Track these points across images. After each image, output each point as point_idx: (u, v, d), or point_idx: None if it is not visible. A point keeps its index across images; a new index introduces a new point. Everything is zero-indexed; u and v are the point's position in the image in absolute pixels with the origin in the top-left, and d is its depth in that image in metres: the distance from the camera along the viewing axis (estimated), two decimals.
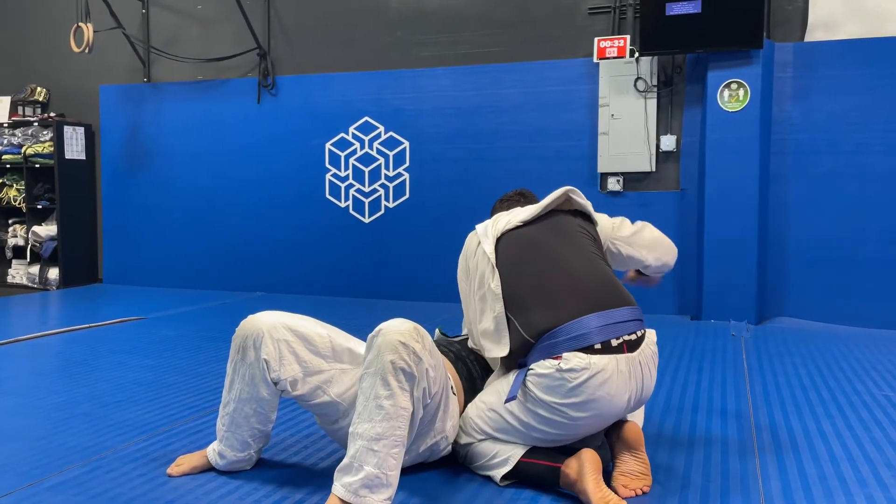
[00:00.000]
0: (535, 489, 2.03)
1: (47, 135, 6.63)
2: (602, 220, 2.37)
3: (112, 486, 2.04)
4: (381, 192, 5.86)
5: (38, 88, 6.96)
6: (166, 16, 6.51)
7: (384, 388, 1.78)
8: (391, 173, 5.82)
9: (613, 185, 5.21)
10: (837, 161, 4.78)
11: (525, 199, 2.52)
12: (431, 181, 5.69)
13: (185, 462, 2.16)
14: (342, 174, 5.95)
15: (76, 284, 6.66)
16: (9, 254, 6.97)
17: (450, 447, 2.15)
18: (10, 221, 6.97)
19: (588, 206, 2.31)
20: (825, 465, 2.24)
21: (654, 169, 5.12)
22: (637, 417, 2.25)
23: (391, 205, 5.84)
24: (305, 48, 6.09)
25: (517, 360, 2.08)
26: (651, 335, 2.11)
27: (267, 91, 6.14)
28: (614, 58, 5.05)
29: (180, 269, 6.47)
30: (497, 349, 2.10)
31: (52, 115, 6.76)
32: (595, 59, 5.10)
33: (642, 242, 2.39)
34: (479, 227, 2.29)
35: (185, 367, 3.51)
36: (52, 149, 6.57)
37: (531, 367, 1.98)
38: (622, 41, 5.02)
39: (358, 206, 5.93)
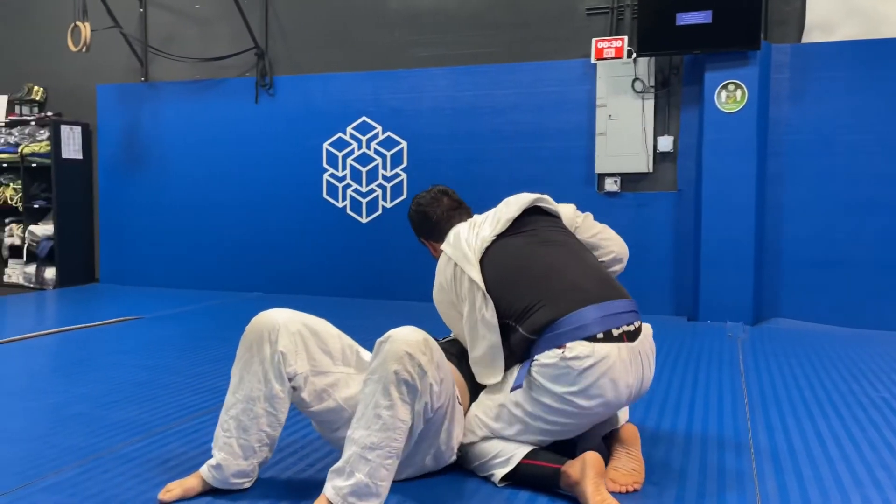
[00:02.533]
0: (534, 490, 2.03)
1: (44, 134, 6.62)
2: (565, 210, 2.35)
3: (107, 487, 2.04)
4: (379, 192, 5.86)
5: (36, 88, 6.95)
6: (164, 15, 6.50)
7: (385, 398, 1.76)
8: (389, 173, 5.82)
9: (611, 185, 5.22)
10: (833, 162, 4.78)
11: (453, 200, 2.48)
12: (429, 181, 5.59)
13: (176, 486, 1.96)
14: (339, 174, 5.95)
15: (73, 284, 6.65)
16: (5, 253, 6.95)
17: (455, 455, 2.12)
18: (6, 221, 6.95)
19: (553, 206, 2.30)
20: (821, 466, 2.24)
21: (651, 170, 5.13)
22: (622, 415, 2.26)
23: (388, 205, 5.83)
24: (303, 48, 6.09)
25: (520, 358, 2.09)
26: (648, 329, 2.13)
27: (265, 91, 6.14)
28: (612, 59, 5.05)
29: (177, 268, 6.46)
30: (490, 377, 2.12)
31: (50, 114, 6.75)
32: (593, 60, 5.11)
33: (606, 235, 2.41)
34: (448, 249, 2.21)
35: (181, 367, 3.51)
36: (49, 148, 6.55)
37: (535, 357, 1.99)
38: (620, 42, 5.03)
39: (355, 206, 5.93)
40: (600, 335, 1.95)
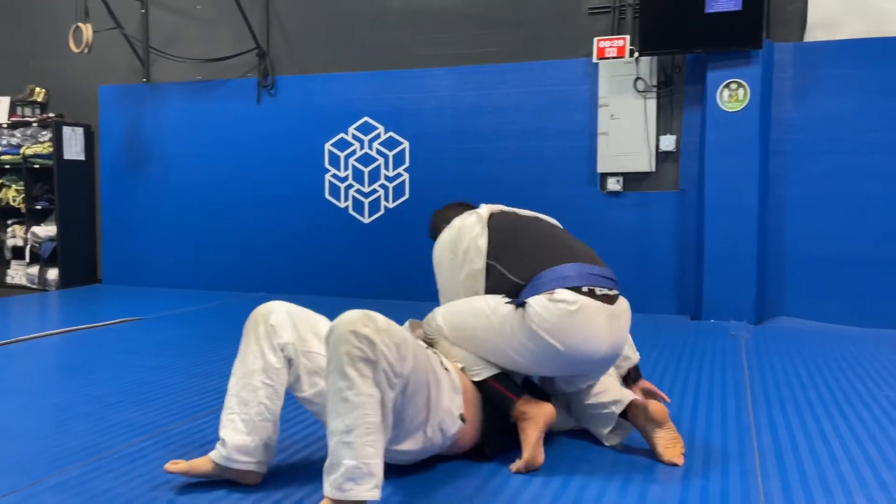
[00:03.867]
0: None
1: (46, 135, 6.63)
2: None
3: (112, 486, 2.04)
4: (381, 192, 5.86)
5: (38, 89, 6.96)
6: (165, 16, 6.51)
7: (344, 381, 1.76)
8: (391, 173, 5.82)
9: (613, 185, 5.21)
10: (837, 161, 4.78)
11: (462, 205, 2.71)
12: (431, 181, 5.69)
13: (183, 462, 2.06)
14: (342, 174, 5.95)
15: (75, 285, 6.66)
16: (8, 254, 6.97)
17: (461, 423, 2.12)
18: (9, 222, 6.96)
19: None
20: (825, 465, 2.24)
21: (653, 169, 5.12)
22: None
23: (391, 205, 5.84)
24: (305, 48, 6.09)
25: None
26: (626, 303, 2.28)
27: (266, 91, 6.14)
28: (614, 58, 5.05)
29: (180, 269, 6.47)
30: (465, 296, 2.33)
31: (51, 115, 6.75)
32: (594, 59, 5.10)
33: None
34: (464, 215, 2.46)
35: (184, 367, 3.51)
36: (51, 149, 6.56)
37: (525, 301, 2.13)
38: (622, 41, 5.02)
39: (357, 206, 5.93)
40: (585, 289, 2.12)
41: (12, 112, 6.86)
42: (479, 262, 2.27)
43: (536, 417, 2.18)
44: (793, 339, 4.28)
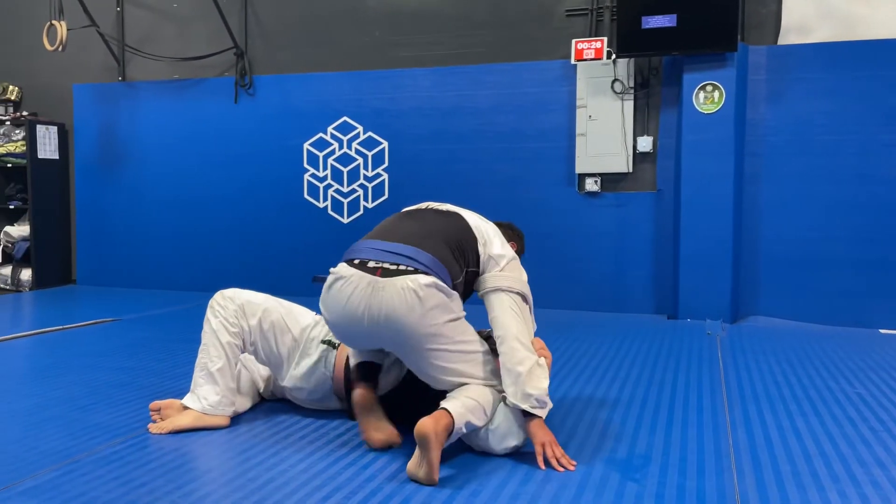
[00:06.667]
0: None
1: (20, 134, 6.52)
2: (494, 245, 2.41)
3: (87, 490, 2.01)
4: (360, 192, 5.84)
5: (11, 87, 6.85)
6: (141, 14, 6.44)
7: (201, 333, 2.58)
8: (370, 173, 5.81)
9: (591, 185, 5.25)
10: (809, 162, 4.85)
11: None
12: (410, 182, 5.68)
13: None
14: (321, 174, 5.93)
15: (49, 286, 6.56)
16: None
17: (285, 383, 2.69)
18: None
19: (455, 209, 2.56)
20: (799, 462, 2.27)
21: (631, 170, 5.16)
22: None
23: (370, 205, 5.82)
24: (283, 48, 6.06)
25: None
26: (422, 278, 2.18)
27: (244, 91, 6.10)
28: (591, 60, 5.08)
29: (155, 270, 6.40)
30: None
31: (25, 114, 6.65)
32: (573, 61, 5.13)
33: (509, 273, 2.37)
34: None
35: (160, 369, 3.48)
36: (24, 148, 6.46)
37: None
38: (599, 43, 5.06)
39: (336, 206, 5.91)
40: (357, 261, 2.28)
41: None
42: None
43: (356, 411, 2.40)
44: (767, 338, 4.34)
